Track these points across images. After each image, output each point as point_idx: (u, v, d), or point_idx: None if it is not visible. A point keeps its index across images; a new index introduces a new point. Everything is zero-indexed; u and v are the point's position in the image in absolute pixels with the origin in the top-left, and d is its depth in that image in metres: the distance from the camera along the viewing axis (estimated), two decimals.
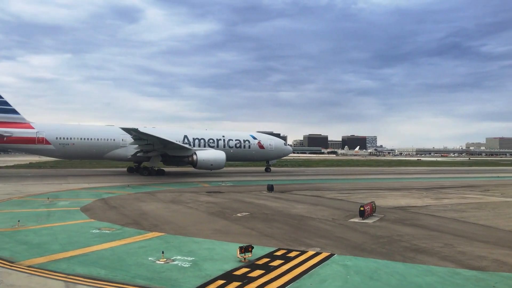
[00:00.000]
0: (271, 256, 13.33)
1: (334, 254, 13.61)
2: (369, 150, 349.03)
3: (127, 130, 47.05)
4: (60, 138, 52.60)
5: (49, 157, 60.04)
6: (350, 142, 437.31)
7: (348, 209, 24.45)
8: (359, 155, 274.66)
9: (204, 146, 56.76)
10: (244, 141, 61.48)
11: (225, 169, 67.60)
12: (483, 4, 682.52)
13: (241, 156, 61.01)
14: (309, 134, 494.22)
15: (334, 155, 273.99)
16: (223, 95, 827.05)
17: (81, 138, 53.67)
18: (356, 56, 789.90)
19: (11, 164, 78.51)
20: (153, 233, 16.96)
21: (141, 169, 55.44)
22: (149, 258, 13.01)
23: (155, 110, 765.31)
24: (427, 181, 50.94)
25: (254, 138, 62.81)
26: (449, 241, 16.15)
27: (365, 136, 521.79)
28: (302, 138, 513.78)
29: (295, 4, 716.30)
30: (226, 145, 59.24)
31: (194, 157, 50.88)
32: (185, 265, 12.29)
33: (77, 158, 59.40)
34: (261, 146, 62.58)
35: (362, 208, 20.44)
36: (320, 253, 13.80)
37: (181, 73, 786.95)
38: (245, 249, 12.72)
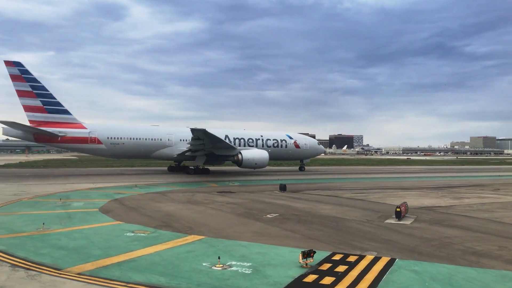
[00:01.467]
0: (330, 260, 12.71)
1: (396, 259, 12.95)
2: (356, 149, 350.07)
3: (195, 130, 46.98)
4: (111, 138, 54.49)
5: (100, 156, 60.79)
6: (338, 141, 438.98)
7: (376, 209, 24.19)
8: (347, 154, 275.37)
9: (244, 146, 58.22)
10: (281, 140, 63.11)
11: (224, 168, 67.18)
12: (466, 4, 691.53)
13: (278, 155, 62.27)
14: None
15: (323, 154, 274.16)
16: (209, 94, 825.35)
17: (130, 138, 55.60)
18: (342, 55, 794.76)
19: (2, 163, 76.53)
20: (192, 236, 16.18)
21: (187, 168, 56.47)
22: (204, 264, 12.29)
23: (140, 109, 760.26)
24: (432, 180, 50.82)
25: (290, 137, 64.52)
26: (501, 243, 15.73)
27: (352, 135, 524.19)
28: None
29: (281, 3, 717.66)
30: (264, 144, 60.79)
31: (239, 156, 52.46)
32: (246, 272, 11.57)
33: (126, 157, 61.15)
34: (297, 146, 64.49)
35: (398, 209, 19.89)
36: (379, 257, 13.12)
37: (167, 71, 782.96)
38: (307, 254, 12.00)
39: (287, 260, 12.76)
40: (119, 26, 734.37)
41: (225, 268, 11.88)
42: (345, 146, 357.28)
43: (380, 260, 12.81)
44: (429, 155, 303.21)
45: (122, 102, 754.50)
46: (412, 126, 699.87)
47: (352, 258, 12.98)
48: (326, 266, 12.05)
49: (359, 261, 12.67)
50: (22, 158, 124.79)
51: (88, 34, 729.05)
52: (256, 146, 59.34)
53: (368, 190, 35.76)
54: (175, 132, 58.84)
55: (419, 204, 25.85)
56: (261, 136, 61.95)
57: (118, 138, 54.84)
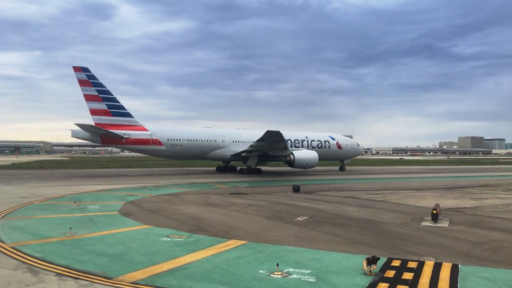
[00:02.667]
0: (390, 267, 12.11)
1: (458, 265, 12.34)
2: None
3: (271, 132, 48.46)
4: (170, 139, 57.57)
5: (159, 157, 63.57)
6: None
7: (403, 211, 23.78)
8: None
9: (291, 147, 59.82)
10: (325, 141, 65.59)
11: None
12: (454, 6, 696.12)
13: (322, 156, 62.39)
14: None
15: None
16: (198, 94, 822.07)
17: (188, 140, 58.74)
18: (331, 56, 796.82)
19: None
20: (233, 241, 15.51)
21: (242, 169, 58.84)
22: (260, 271, 11.65)
23: (129, 109, 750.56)
24: (438, 181, 50.55)
25: (333, 139, 66.87)
26: None
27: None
28: None
29: (270, 3, 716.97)
30: (309, 145, 63.40)
31: (291, 156, 55.09)
32: (310, 280, 11.00)
33: (184, 158, 64.05)
34: (339, 146, 66.98)
35: (435, 211, 19.35)
36: (440, 263, 12.57)
37: (156, 71, 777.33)
38: (371, 261, 11.38)
39: (346, 266, 12.21)
40: (107, 25, 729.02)
41: (285, 276, 11.26)
42: None
43: (443, 266, 12.29)
44: (418, 155, 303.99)
45: None
46: (400, 126, 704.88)
47: (412, 264, 12.43)
48: (390, 273, 11.47)
49: (421, 268, 12.05)
50: (13, 159, 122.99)
51: (75, 33, 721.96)
52: (302, 147, 61.42)
53: (381, 191, 35.28)
54: (228, 134, 61.74)
55: (442, 206, 25.35)
56: (306, 137, 64.58)
57: (177, 139, 57.93)
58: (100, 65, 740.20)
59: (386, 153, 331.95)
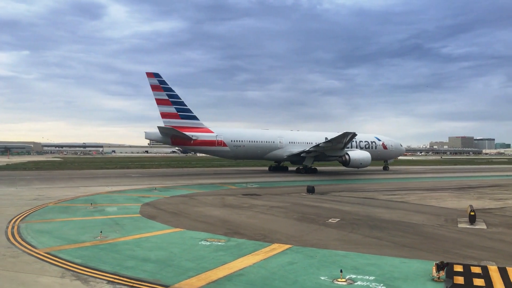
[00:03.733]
0: (455, 272, 11.63)
1: None
2: None
3: (347, 133, 52.38)
4: (234, 141, 61.10)
5: (223, 157, 66.96)
6: None
7: (432, 213, 23.29)
8: None
9: None
10: (372, 142, 68.21)
11: (224, 169, 65.73)
12: (443, 7, 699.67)
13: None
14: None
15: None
16: (189, 94, 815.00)
17: (249, 141, 62.16)
18: (322, 56, 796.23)
19: None
20: (277, 244, 14.92)
21: (298, 168, 61.95)
22: (322, 278, 11.07)
23: (119, 109, 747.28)
24: (447, 181, 50.14)
25: (379, 139, 69.43)
26: None
27: None
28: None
29: (261, 3, 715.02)
30: (357, 146, 65.84)
31: (347, 157, 58.63)
32: (379, 287, 10.23)
33: (245, 158, 66.86)
34: (384, 147, 69.64)
35: (473, 213, 18.86)
36: (503, 268, 12.09)
37: (146, 71, 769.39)
38: (441, 267, 10.85)
39: (408, 272, 11.73)
40: (96, 25, 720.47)
41: (350, 283, 10.72)
42: None
43: (509, 271, 11.68)
44: (410, 155, 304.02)
45: (100, 102, 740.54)
46: (391, 126, 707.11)
47: (476, 270, 11.92)
48: (459, 280, 10.97)
49: (487, 273, 11.55)
50: (5, 160, 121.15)
51: (64, 33, 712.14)
52: (351, 147, 63.69)
53: (395, 191, 34.90)
54: (285, 136, 65.22)
55: (464, 207, 24.92)
56: (354, 138, 65.29)
57: (239, 141, 61.38)
58: (90, 65, 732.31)
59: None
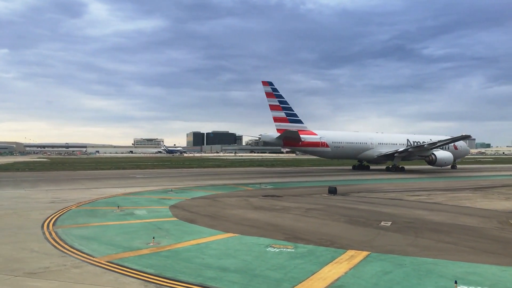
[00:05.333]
0: None
1: None
2: None
3: (462, 136, 62.84)
4: (334, 142, 67.73)
5: (323, 157, 73.63)
6: None
7: (479, 214, 22.51)
8: None
9: (415, 147, 68.16)
10: (429, 144, 69.14)
11: (225, 169, 64.69)
12: (424, 8, 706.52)
13: None
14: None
15: (294, 155, 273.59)
16: (172, 94, 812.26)
17: (347, 142, 68.73)
18: (305, 56, 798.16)
19: None
20: (352, 251, 14.06)
21: (388, 167, 68.67)
22: None
23: (100, 109, 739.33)
24: (458, 181, 49.73)
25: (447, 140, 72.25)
26: None
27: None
28: (258, 138, 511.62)
29: (245, 2, 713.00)
30: None
31: (433, 156, 66.14)
32: None
33: (342, 158, 73.02)
34: (455, 147, 74.29)
35: None
36: None
37: (128, 71, 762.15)
38: None
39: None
40: (77, 23, 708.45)
41: None
42: None
43: None
44: None
45: (81, 102, 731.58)
46: (374, 126, 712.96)
47: None
48: None
49: None
50: None
51: (44, 31, 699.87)
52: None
53: (416, 191, 34.51)
54: (375, 137, 72.46)
55: (500, 208, 24.53)
56: (430, 139, 72.13)
57: (339, 142, 67.97)
58: (70, 64, 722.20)
59: None
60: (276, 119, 64.78)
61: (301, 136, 63.39)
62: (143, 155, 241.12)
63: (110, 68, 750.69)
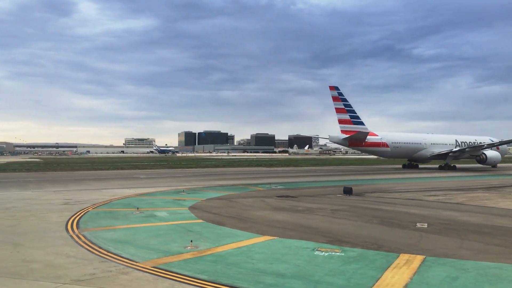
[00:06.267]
0: None
1: None
2: (314, 149, 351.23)
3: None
4: (394, 142, 73.19)
5: (383, 157, 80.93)
6: (297, 141, 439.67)
7: (508, 215, 22.06)
8: (310, 154, 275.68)
9: (461, 148, 73.20)
10: (488, 144, 73.83)
11: (226, 169, 64.08)
12: (413, 8, 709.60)
13: None
14: (256, 134, 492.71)
15: (287, 154, 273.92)
16: (163, 94, 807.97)
17: (404, 143, 74.22)
18: (296, 56, 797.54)
19: None
20: (407, 255, 13.56)
21: (441, 166, 73.28)
22: None
23: (90, 108, 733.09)
24: (464, 180, 49.71)
25: (492, 141, 76.96)
26: None
27: (311, 135, 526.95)
28: (249, 138, 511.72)
29: (235, 2, 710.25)
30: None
31: (483, 156, 70.91)
32: None
33: (399, 157, 78.68)
34: (497, 148, 76.66)
35: None
36: None
37: (118, 70, 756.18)
38: None
39: None
40: (66, 22, 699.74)
41: None
42: (307, 146, 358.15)
43: None
44: None
45: (70, 101, 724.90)
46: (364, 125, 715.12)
47: None
48: None
49: None
50: None
51: (33, 30, 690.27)
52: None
53: (431, 191, 34.19)
54: (427, 138, 77.45)
55: None
56: (475, 140, 77.42)
57: (397, 142, 73.43)
58: (59, 63, 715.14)
59: (354, 153, 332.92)
60: (341, 121, 70.62)
61: (368, 136, 69.17)
62: (134, 155, 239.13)
63: (100, 67, 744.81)
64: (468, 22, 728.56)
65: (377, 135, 72.06)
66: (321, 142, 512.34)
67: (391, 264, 12.29)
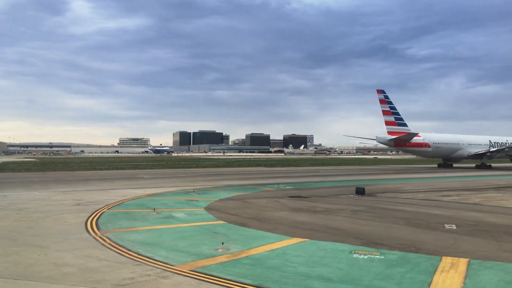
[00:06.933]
0: None
1: None
2: (311, 149, 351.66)
3: None
4: (435, 143, 78.39)
5: (424, 156, 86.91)
6: (292, 141, 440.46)
7: None
8: (305, 154, 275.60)
9: (494, 148, 78.21)
10: None
11: (227, 169, 63.68)
12: (407, 9, 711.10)
13: None
14: (251, 133, 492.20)
15: (283, 154, 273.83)
16: (156, 93, 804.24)
17: (444, 143, 79.19)
18: (290, 56, 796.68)
19: None
20: (450, 258, 13.17)
21: (480, 165, 76.60)
22: None
23: (83, 108, 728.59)
24: (477, 180, 49.59)
25: None
26: None
27: (306, 135, 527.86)
28: (244, 137, 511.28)
29: (229, 2, 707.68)
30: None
31: None
32: None
33: (439, 157, 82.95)
34: None
35: None
36: None
37: (111, 69, 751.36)
38: None
39: None
40: (59, 21, 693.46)
41: None
42: (302, 146, 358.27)
43: None
44: (365, 154, 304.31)
45: (63, 101, 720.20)
46: (358, 125, 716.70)
47: None
48: None
49: None
50: None
51: (25, 28, 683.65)
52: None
53: (441, 191, 33.97)
54: (464, 139, 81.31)
55: None
56: (507, 140, 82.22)
57: (438, 143, 78.51)
58: (52, 62, 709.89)
59: (350, 153, 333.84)
60: (387, 123, 75.70)
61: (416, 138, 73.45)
62: (129, 155, 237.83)
63: (93, 66, 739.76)
64: (461, 22, 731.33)
65: (419, 136, 75.79)
66: (315, 141, 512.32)
67: (437, 268, 11.94)
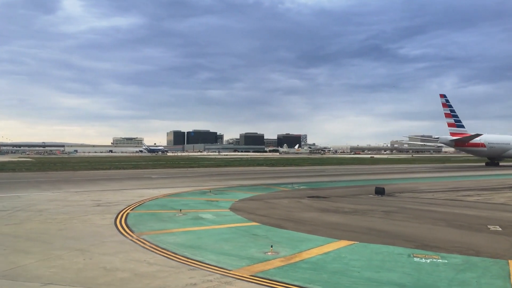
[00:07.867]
0: None
1: None
2: (304, 148, 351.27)
3: None
4: (490, 143, 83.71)
5: (479, 156, 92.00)
6: (286, 140, 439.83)
7: None
8: (301, 153, 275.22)
9: None
10: None
11: (231, 169, 63.10)
12: (400, 9, 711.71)
13: None
14: (246, 133, 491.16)
15: (278, 153, 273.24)
16: (149, 93, 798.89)
17: (497, 143, 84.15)
18: (284, 55, 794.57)
19: None
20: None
21: None
22: None
23: (76, 107, 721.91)
24: (484, 179, 49.53)
25: None
26: None
27: (300, 135, 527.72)
28: (238, 137, 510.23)
29: (222, 1, 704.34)
30: None
31: None
32: None
33: (492, 156, 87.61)
34: None
35: None
36: None
37: (104, 68, 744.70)
38: None
39: None
40: (50, 19, 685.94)
41: None
42: (297, 145, 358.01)
43: None
44: (357, 153, 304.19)
45: (55, 100, 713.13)
46: (351, 125, 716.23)
47: None
48: None
49: None
50: None
51: (17, 27, 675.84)
52: None
53: (461, 191, 33.59)
54: None
55: None
56: None
57: (492, 143, 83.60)
58: (44, 61, 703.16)
59: (344, 152, 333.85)
60: (449, 125, 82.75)
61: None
62: (124, 154, 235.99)
63: (85, 65, 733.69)
64: (453, 22, 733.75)
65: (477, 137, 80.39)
66: (308, 141, 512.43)
67: (509, 272, 11.44)
